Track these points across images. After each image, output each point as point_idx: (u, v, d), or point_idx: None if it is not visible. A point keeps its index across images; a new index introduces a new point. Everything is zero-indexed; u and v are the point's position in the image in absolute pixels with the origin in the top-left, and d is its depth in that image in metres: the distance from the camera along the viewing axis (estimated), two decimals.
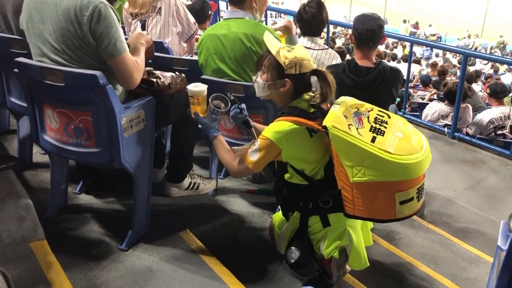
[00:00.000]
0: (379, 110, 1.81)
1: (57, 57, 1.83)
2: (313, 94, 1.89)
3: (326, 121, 1.71)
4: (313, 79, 1.90)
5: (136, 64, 1.93)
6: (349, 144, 1.66)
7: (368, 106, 1.81)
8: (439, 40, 23.50)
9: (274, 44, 1.85)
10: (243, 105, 1.97)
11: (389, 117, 1.79)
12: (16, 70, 1.95)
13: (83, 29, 1.77)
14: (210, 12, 4.30)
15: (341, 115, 1.72)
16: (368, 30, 2.48)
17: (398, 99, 6.15)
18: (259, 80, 1.88)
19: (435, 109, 5.27)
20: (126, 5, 3.23)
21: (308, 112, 1.82)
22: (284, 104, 1.88)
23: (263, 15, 7.51)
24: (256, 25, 2.36)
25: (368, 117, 1.75)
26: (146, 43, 2.09)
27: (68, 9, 1.77)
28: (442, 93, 6.63)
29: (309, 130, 1.80)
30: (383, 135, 1.69)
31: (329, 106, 1.83)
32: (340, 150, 1.71)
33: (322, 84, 1.81)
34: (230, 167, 1.93)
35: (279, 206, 2.09)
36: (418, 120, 5.27)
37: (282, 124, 1.79)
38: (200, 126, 2.07)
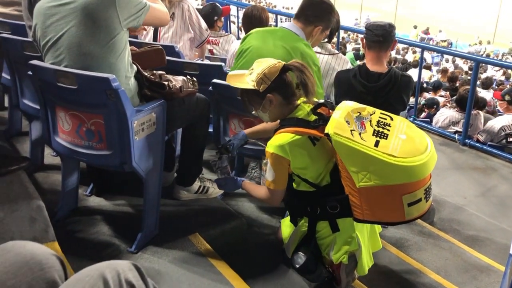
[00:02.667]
0: (381, 113, 1.79)
1: (75, 58, 1.86)
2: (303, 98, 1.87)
3: (328, 128, 1.69)
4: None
5: (158, 5, 2.10)
6: (353, 150, 1.65)
7: (370, 109, 1.79)
8: (450, 46, 23.40)
9: (236, 80, 1.87)
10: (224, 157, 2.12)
11: (391, 119, 1.77)
12: (29, 72, 1.98)
13: (109, 15, 1.83)
14: (216, 18, 4.33)
15: (343, 121, 1.70)
16: (379, 26, 2.52)
17: (423, 102, 6.13)
18: (254, 113, 1.92)
19: (446, 115, 5.23)
20: None
21: (308, 121, 1.82)
22: (284, 115, 1.88)
23: (273, 21, 7.54)
24: (308, 47, 2.36)
25: (370, 121, 1.73)
26: None
27: (87, 4, 1.81)
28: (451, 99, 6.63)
29: (311, 139, 1.80)
30: (386, 138, 1.67)
31: (330, 111, 1.82)
32: (344, 157, 1.69)
33: (299, 75, 1.78)
34: (263, 198, 1.95)
35: (288, 212, 2.09)
36: (429, 126, 5.24)
37: (283, 137, 1.79)
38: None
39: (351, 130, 1.67)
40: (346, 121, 1.70)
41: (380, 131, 1.69)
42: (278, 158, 1.78)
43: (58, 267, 1.00)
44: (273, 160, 1.80)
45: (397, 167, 1.62)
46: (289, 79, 1.86)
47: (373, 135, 1.68)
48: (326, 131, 1.69)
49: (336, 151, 1.71)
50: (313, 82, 1.79)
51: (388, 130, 1.71)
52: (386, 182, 1.66)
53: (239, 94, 1.98)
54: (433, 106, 6.50)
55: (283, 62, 1.82)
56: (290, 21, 2.52)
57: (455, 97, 5.93)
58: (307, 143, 1.80)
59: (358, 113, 1.75)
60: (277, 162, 1.80)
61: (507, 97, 4.95)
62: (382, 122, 1.74)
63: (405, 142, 1.67)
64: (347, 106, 1.77)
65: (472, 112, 4.86)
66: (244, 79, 1.83)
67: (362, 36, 2.71)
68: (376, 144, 1.65)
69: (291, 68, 1.81)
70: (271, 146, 1.79)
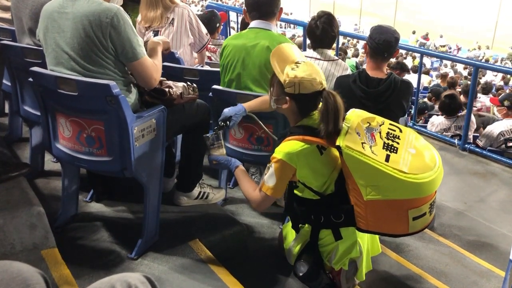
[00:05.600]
0: (390, 124, 1.78)
1: (74, 65, 1.86)
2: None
3: (340, 141, 1.67)
4: None
5: (154, 66, 2.02)
6: (364, 164, 1.64)
7: (379, 119, 1.78)
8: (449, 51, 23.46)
9: (279, 60, 1.82)
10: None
11: (400, 131, 1.76)
12: (30, 79, 1.98)
13: (103, 35, 1.82)
14: (218, 24, 4.37)
15: (354, 133, 1.69)
16: (386, 41, 2.48)
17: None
18: (268, 94, 1.92)
19: (436, 124, 5.24)
20: (139, 18, 3.26)
21: (318, 130, 1.79)
22: (294, 122, 1.87)
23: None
24: (282, 38, 2.40)
25: (380, 132, 1.72)
26: (164, 43, 2.22)
27: (87, 16, 1.81)
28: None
29: (319, 148, 1.78)
30: (396, 152, 1.66)
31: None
32: (354, 170, 1.68)
33: (323, 110, 1.72)
34: (251, 199, 1.90)
35: (289, 217, 2.08)
36: (428, 131, 5.24)
37: (292, 144, 1.77)
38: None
39: (362, 143, 1.66)
40: (357, 133, 1.69)
41: (390, 144, 1.69)
42: (285, 165, 1.77)
43: (42, 284, 1.03)
44: (278, 166, 1.78)
45: (407, 183, 1.61)
46: (315, 102, 1.82)
47: (383, 148, 1.67)
48: (337, 143, 1.67)
49: (345, 164, 1.69)
50: (340, 118, 1.73)
51: (398, 143, 1.70)
52: (394, 197, 1.66)
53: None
54: (423, 111, 6.41)
55: (325, 86, 1.78)
56: (290, 26, 2.53)
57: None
58: (315, 152, 1.78)
59: (368, 124, 1.73)
60: (282, 169, 1.78)
61: (506, 103, 4.96)
62: (391, 134, 1.73)
63: (415, 157, 1.67)
64: (356, 115, 1.76)
65: (459, 114, 4.97)
66: (285, 66, 1.79)
67: (364, 42, 2.70)
68: (387, 158, 1.64)
69: (324, 97, 1.75)
70: (280, 153, 1.77)
